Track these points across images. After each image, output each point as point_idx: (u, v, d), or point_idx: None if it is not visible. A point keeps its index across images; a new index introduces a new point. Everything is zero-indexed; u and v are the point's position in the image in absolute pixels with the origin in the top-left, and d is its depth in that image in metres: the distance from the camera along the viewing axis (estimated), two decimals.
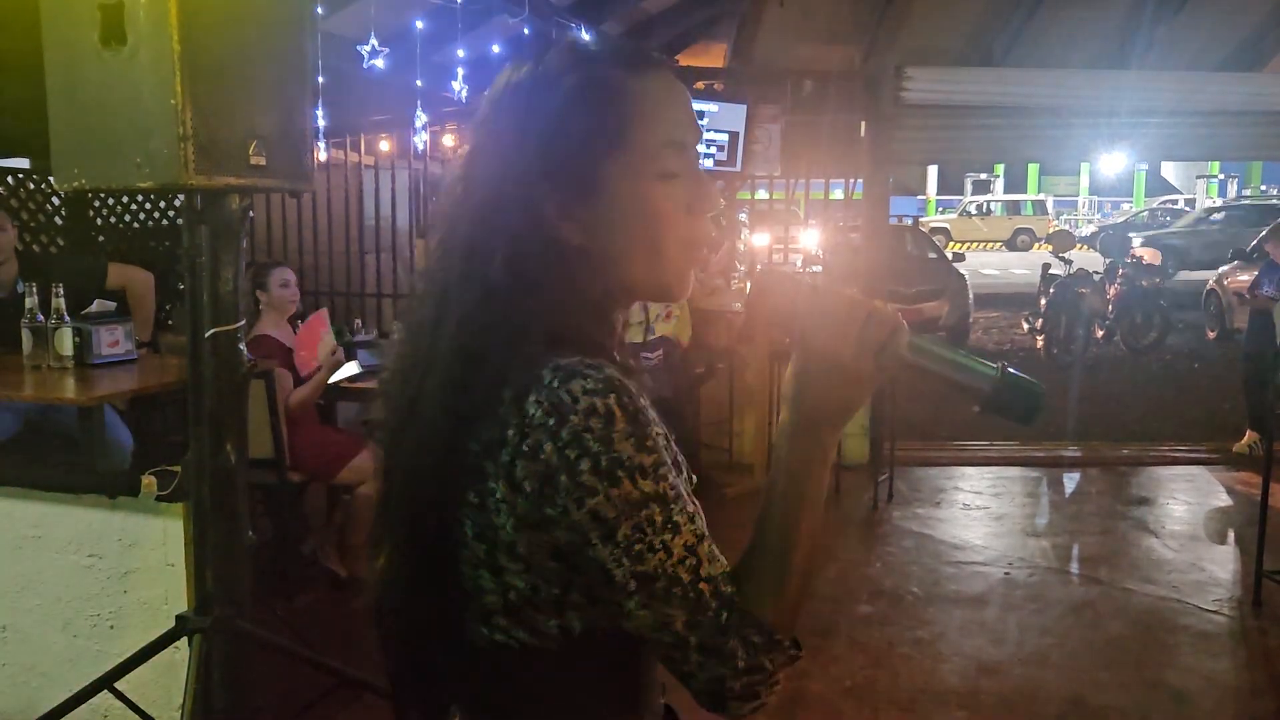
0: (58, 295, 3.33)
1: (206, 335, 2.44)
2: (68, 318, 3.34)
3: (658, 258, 0.94)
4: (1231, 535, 5.27)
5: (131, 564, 2.83)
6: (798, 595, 0.92)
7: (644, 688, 0.98)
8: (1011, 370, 0.91)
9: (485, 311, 0.90)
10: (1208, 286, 12.38)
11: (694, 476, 0.98)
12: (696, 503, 0.92)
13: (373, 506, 3.10)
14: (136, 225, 5.88)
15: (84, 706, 2.62)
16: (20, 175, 5.34)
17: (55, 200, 5.45)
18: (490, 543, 0.88)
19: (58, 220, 5.49)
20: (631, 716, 0.98)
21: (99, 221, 5.73)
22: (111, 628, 2.87)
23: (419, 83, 3.98)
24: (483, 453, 0.87)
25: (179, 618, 2.52)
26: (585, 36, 5.15)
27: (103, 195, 5.36)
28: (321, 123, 3.59)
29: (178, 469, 2.74)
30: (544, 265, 0.91)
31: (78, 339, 3.28)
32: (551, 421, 0.83)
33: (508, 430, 0.85)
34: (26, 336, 3.34)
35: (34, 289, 3.38)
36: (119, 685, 2.59)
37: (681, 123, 0.94)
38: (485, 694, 0.96)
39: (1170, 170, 37.36)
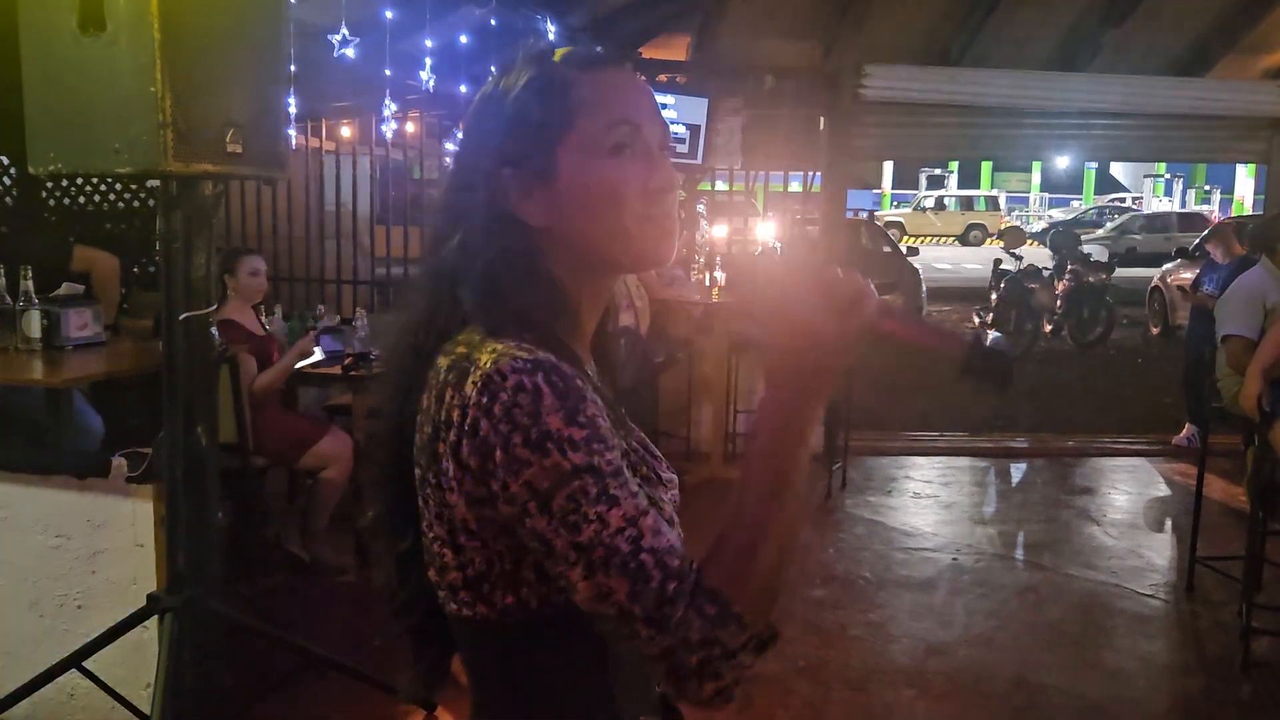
0: (26, 277, 3.32)
1: (180, 319, 2.47)
2: (36, 300, 3.34)
3: (621, 231, 0.98)
4: (1169, 523, 5.48)
5: (100, 544, 2.86)
6: (767, 579, 0.89)
7: (618, 671, 0.99)
8: (983, 341, 0.96)
9: (435, 294, 0.99)
10: (1152, 284, 12.71)
11: (664, 473, 1.06)
12: (667, 492, 1.00)
13: (337, 491, 3.12)
14: (90, 208, 5.81)
15: (51, 685, 2.65)
16: None
17: (5, 181, 5.37)
18: (449, 522, 0.92)
19: (8, 201, 5.41)
20: (601, 699, 0.99)
21: (51, 203, 5.66)
22: (79, 608, 2.89)
23: (388, 71, 4.00)
24: (434, 435, 0.91)
25: (150, 597, 2.55)
26: (550, 38, 5.22)
27: (80, 177, 5.29)
28: (293, 109, 3.61)
29: (148, 451, 2.77)
30: (497, 245, 0.97)
31: (46, 321, 3.28)
32: (485, 399, 0.87)
33: (454, 412, 0.89)
34: None
35: (1, 271, 3.37)
36: (87, 664, 2.62)
37: (634, 107, 1.00)
38: (466, 658, 1.02)
39: (1119, 169, 38.14)
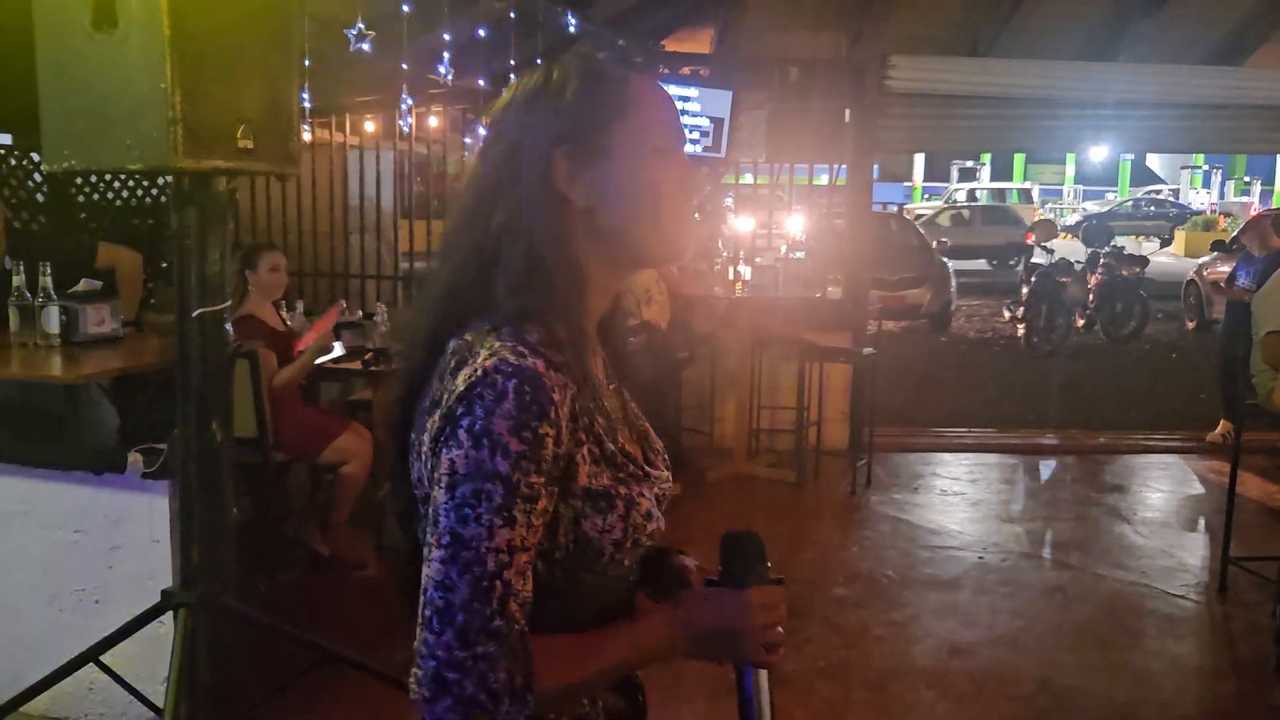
0: (45, 274, 3.35)
1: (194, 315, 2.47)
2: (54, 296, 3.36)
3: (656, 222, 1.05)
4: (1202, 522, 5.37)
5: (117, 540, 2.87)
6: (569, 691, 1.01)
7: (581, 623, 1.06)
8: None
9: (469, 266, 1.04)
10: (1188, 277, 12.50)
11: (653, 470, 1.10)
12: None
13: (356, 486, 3.10)
14: (119, 203, 5.86)
15: (70, 679, 2.66)
16: (2, 151, 5.31)
17: (37, 177, 5.43)
18: (424, 488, 1.00)
19: (39, 198, 5.47)
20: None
21: (81, 199, 5.71)
22: (97, 602, 2.91)
23: (405, 65, 4.00)
24: (429, 409, 1.00)
25: (164, 593, 2.55)
26: (571, 30, 5.18)
27: (93, 173, 5.35)
28: (307, 104, 3.61)
29: (163, 446, 2.78)
30: (543, 223, 1.02)
31: (64, 317, 3.29)
32: (463, 388, 0.95)
33: (443, 395, 0.98)
34: (13, 314, 3.36)
35: (21, 267, 3.39)
36: (104, 659, 2.63)
37: (673, 113, 1.10)
38: None
39: (1155, 161, 37.56)
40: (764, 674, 1.09)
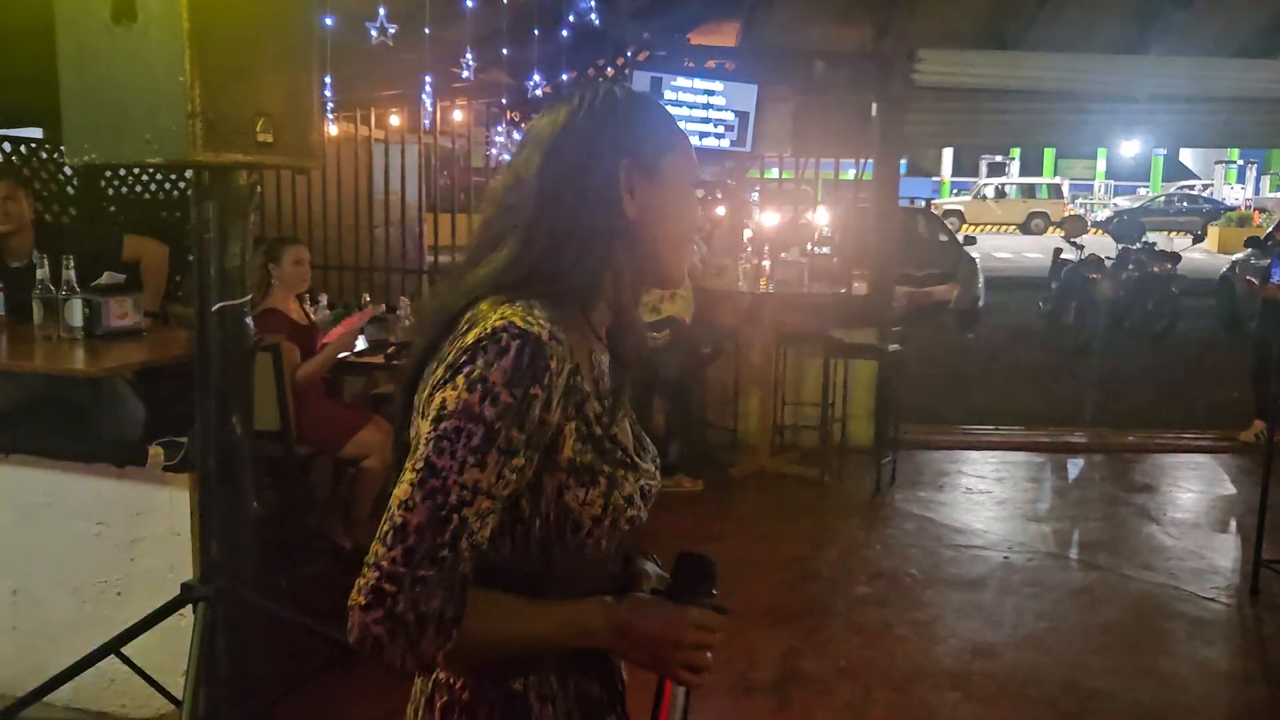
0: (68, 267, 3.37)
1: (214, 309, 2.47)
2: (77, 289, 3.38)
3: (677, 248, 1.18)
4: (1233, 524, 5.28)
5: (139, 532, 2.88)
6: (494, 645, 1.06)
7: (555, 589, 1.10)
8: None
9: (504, 257, 1.10)
10: (1221, 274, 12.32)
11: (642, 464, 1.15)
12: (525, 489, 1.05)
13: (378, 479, 3.19)
14: (147, 196, 5.91)
15: (92, 670, 2.67)
16: (33, 145, 5.37)
17: (67, 171, 5.48)
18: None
19: (69, 190, 5.53)
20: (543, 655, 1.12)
21: (110, 192, 5.77)
22: (119, 594, 2.92)
23: (428, 59, 3.99)
24: (435, 370, 1.05)
25: (184, 586, 2.56)
26: (596, 22, 5.13)
27: (114, 167, 5.40)
28: (329, 95, 3.61)
29: (185, 440, 2.79)
30: (600, 224, 1.10)
31: (87, 310, 3.32)
32: (470, 342, 1.02)
33: (451, 354, 1.03)
34: (37, 307, 3.39)
35: (45, 260, 3.42)
36: (125, 650, 2.64)
37: (695, 161, 1.21)
38: None
39: (1188, 155, 37.04)
40: (682, 691, 1.14)
